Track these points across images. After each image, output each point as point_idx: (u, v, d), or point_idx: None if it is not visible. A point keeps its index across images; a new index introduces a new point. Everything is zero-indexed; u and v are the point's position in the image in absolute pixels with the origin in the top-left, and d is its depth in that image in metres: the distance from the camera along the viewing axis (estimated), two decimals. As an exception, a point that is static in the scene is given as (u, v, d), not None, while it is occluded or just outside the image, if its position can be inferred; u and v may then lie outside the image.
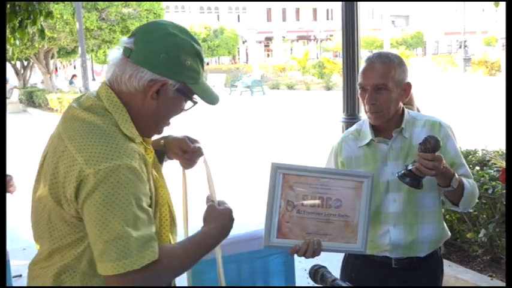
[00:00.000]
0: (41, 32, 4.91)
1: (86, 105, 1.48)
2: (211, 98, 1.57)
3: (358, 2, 4.68)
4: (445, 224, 2.22)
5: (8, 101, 24.53)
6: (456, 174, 1.97)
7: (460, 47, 30.93)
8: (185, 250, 1.48)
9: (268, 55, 55.46)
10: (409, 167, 1.86)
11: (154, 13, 23.83)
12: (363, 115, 2.32)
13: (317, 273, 1.47)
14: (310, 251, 1.72)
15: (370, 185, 1.85)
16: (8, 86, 26.21)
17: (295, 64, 34.39)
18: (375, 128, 2.12)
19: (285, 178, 1.71)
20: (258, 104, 21.09)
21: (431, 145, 1.80)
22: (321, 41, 48.12)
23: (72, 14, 20.01)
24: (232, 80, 28.10)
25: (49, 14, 4.97)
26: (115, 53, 1.51)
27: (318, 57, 38.24)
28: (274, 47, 51.28)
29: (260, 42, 56.88)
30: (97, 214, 1.34)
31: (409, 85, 2.09)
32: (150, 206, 1.45)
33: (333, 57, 42.72)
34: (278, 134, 12.48)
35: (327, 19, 58.78)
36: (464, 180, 2.02)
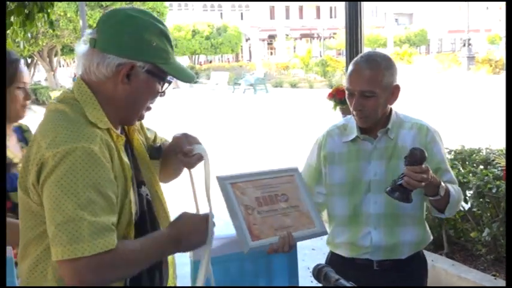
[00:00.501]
0: (51, 23, 4.91)
1: (59, 98, 1.51)
2: (186, 76, 1.56)
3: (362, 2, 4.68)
4: (427, 227, 2.19)
5: (11, 98, 24.54)
6: (442, 183, 1.93)
7: (464, 45, 30.84)
8: (142, 246, 1.43)
9: (271, 53, 55.44)
10: (398, 182, 1.82)
11: (158, 11, 23.86)
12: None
13: (321, 272, 1.46)
14: (287, 245, 1.72)
15: (299, 176, 1.90)
16: (11, 84, 26.24)
17: (298, 62, 34.35)
18: (361, 128, 2.09)
19: (233, 187, 1.77)
20: (261, 102, 21.07)
21: (418, 157, 1.77)
22: (324, 39, 48.06)
23: (76, 11, 20.04)
24: (236, 78, 28.07)
25: (51, 24, 5.00)
26: (81, 46, 1.51)
27: (321, 55, 38.20)
28: (277, 45, 51.24)
29: (263, 40, 56.86)
30: (52, 196, 1.33)
31: (397, 88, 2.04)
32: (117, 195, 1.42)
33: (336, 55, 42.69)
34: (281, 133, 12.47)
35: (330, 17, 58.68)
36: (449, 187, 1.99)
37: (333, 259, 2.21)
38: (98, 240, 1.32)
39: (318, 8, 60.02)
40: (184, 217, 1.53)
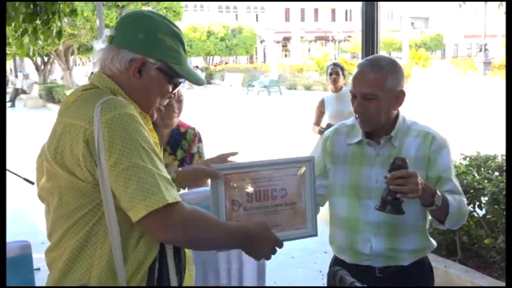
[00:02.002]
0: (58, 33, 4.99)
1: (79, 90, 1.57)
2: (196, 79, 1.65)
3: (379, 2, 4.65)
4: (428, 236, 2.16)
5: (27, 96, 24.88)
6: (439, 192, 1.89)
7: (480, 50, 30.55)
8: (227, 225, 1.58)
9: (285, 55, 55.38)
10: (384, 195, 1.79)
11: (174, 11, 23.99)
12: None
13: (336, 275, 1.48)
14: None
15: (312, 168, 1.83)
16: (28, 82, 26.58)
17: (312, 65, 34.29)
18: (366, 132, 2.08)
19: (226, 178, 1.69)
20: (275, 104, 21.07)
21: (398, 166, 1.75)
22: (339, 42, 47.93)
23: (93, 11, 20.21)
24: (250, 79, 28.10)
25: (73, 12, 5.06)
26: (99, 44, 1.59)
27: (335, 58, 38.04)
28: (291, 47, 51.17)
29: (278, 42, 56.84)
30: (116, 163, 1.38)
31: (402, 93, 2.02)
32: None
33: (350, 58, 42.50)
34: (294, 134, 12.46)
35: (346, 20, 58.54)
36: (449, 197, 1.94)
37: (337, 264, 2.18)
38: (169, 191, 1.41)
39: (333, 11, 59.89)
40: (265, 227, 1.63)
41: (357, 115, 2.03)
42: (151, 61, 1.55)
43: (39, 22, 4.67)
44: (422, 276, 2.15)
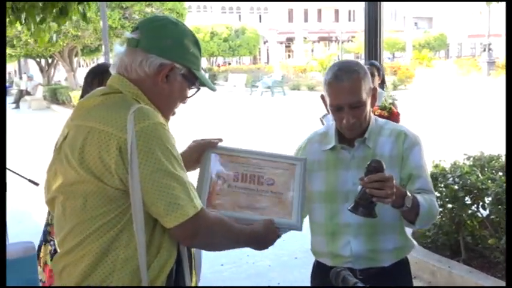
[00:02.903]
0: (84, 16, 5.05)
1: (98, 94, 1.57)
2: (211, 85, 1.73)
3: (382, 2, 4.64)
4: (408, 235, 2.15)
5: (32, 97, 24.95)
6: (409, 193, 1.86)
7: (484, 50, 30.50)
8: (240, 227, 1.61)
9: (289, 56, 55.40)
10: (358, 197, 1.77)
11: (177, 12, 24.00)
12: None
13: (339, 276, 1.48)
14: None
15: (303, 168, 1.83)
16: (32, 83, 26.65)
17: (316, 65, 34.27)
18: (339, 134, 2.07)
19: (216, 156, 1.76)
20: (279, 104, 21.08)
21: (374, 168, 1.73)
22: (342, 43, 47.90)
23: (96, 12, 20.25)
24: (253, 80, 28.10)
25: (84, 16, 5.12)
26: (119, 47, 1.61)
27: (339, 59, 38.06)
28: (295, 48, 51.18)
29: (281, 42, 56.85)
30: (150, 171, 1.43)
31: (374, 89, 2.05)
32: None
33: (354, 58, 42.46)
34: (297, 135, 12.46)
35: (349, 20, 58.48)
36: (419, 197, 1.92)
37: (319, 267, 2.20)
38: (196, 200, 1.49)
39: (336, 11, 59.85)
40: (268, 223, 1.69)
41: (345, 125, 1.99)
42: (178, 67, 1.60)
43: (59, 8, 4.72)
44: (402, 277, 2.15)
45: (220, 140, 1.86)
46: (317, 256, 2.21)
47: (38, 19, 4.59)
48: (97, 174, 1.44)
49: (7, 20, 4.67)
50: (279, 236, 1.72)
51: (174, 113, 1.69)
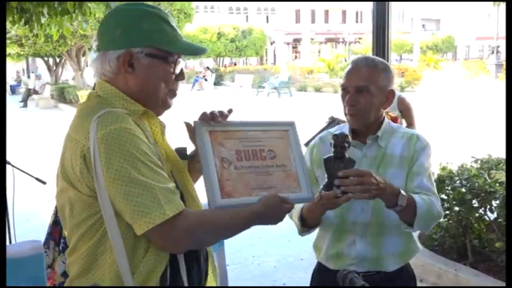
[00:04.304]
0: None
1: (81, 103, 1.60)
2: (194, 50, 1.61)
3: (390, 3, 4.61)
4: (414, 238, 2.13)
5: (39, 96, 25.08)
6: (403, 192, 1.84)
7: (493, 52, 30.35)
8: (232, 214, 1.52)
9: (295, 57, 55.33)
10: (327, 183, 1.76)
11: (185, 13, 24.06)
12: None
13: (346, 278, 1.48)
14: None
15: (295, 131, 1.79)
16: (40, 82, 26.78)
17: (323, 66, 34.23)
18: (353, 132, 2.08)
19: (212, 136, 1.63)
20: (285, 105, 21.06)
21: (339, 139, 1.73)
22: (349, 44, 47.80)
23: (104, 12, 20.34)
24: (260, 81, 28.08)
25: (90, 13, 5.18)
26: (93, 54, 1.61)
27: (346, 60, 37.99)
28: (302, 49, 51.13)
29: (288, 43, 56.79)
30: (113, 178, 1.39)
31: (392, 93, 2.05)
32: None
33: (361, 60, 42.22)
34: (305, 136, 12.45)
35: (356, 22, 58.32)
36: (417, 197, 1.90)
37: (320, 270, 2.18)
38: (171, 204, 1.41)
39: (343, 12, 59.71)
40: (271, 198, 1.57)
41: (347, 109, 2.03)
42: (137, 50, 1.52)
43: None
44: (407, 283, 2.12)
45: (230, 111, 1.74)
46: (318, 253, 2.19)
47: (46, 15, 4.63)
48: (72, 182, 1.47)
49: (11, 19, 4.71)
50: (288, 209, 1.59)
51: (175, 93, 1.62)
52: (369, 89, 1.98)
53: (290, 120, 1.82)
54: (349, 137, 1.79)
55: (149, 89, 1.56)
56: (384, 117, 2.10)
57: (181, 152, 1.73)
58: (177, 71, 1.60)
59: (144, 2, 1.61)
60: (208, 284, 1.68)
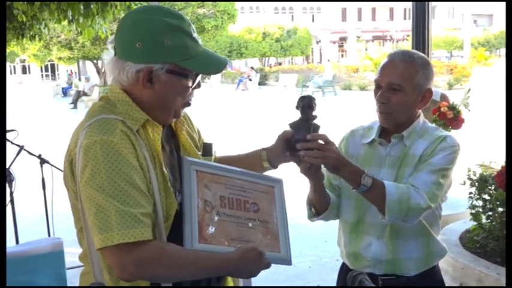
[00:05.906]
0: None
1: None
2: (211, 68, 1.53)
3: (433, 2, 4.61)
4: (436, 240, 1.99)
5: (88, 98, 25.81)
6: (368, 173, 1.74)
7: (548, 47, 29.04)
8: (197, 256, 1.42)
9: (342, 55, 54.84)
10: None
11: (228, 13, 24.23)
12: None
13: (355, 280, 1.42)
14: None
15: (281, 190, 1.71)
16: (88, 84, 27.57)
17: (369, 64, 33.70)
18: (382, 129, 1.98)
19: (199, 176, 1.55)
20: (329, 104, 20.88)
21: (306, 100, 1.70)
22: (397, 42, 46.93)
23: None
24: (304, 80, 27.97)
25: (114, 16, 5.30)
26: (107, 55, 1.54)
27: (393, 58, 37.27)
28: (348, 47, 50.59)
29: (334, 42, 56.37)
30: (84, 189, 1.39)
31: (429, 92, 1.92)
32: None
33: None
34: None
35: (404, 19, 57.19)
36: (389, 184, 1.77)
37: (343, 269, 2.14)
38: (128, 230, 1.33)
39: (391, 10, 58.72)
40: (251, 250, 1.49)
41: (377, 106, 1.93)
42: (158, 67, 1.46)
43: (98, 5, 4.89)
44: None
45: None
46: (341, 252, 2.15)
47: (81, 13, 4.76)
48: (66, 186, 1.51)
49: (54, 19, 4.86)
50: (265, 266, 1.50)
51: (189, 104, 1.58)
52: (402, 86, 1.85)
53: (278, 178, 1.75)
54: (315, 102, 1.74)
55: (165, 102, 1.52)
56: (418, 117, 1.97)
57: (207, 147, 1.72)
58: (195, 84, 1.56)
59: (168, 8, 1.53)
60: (227, 285, 1.65)
